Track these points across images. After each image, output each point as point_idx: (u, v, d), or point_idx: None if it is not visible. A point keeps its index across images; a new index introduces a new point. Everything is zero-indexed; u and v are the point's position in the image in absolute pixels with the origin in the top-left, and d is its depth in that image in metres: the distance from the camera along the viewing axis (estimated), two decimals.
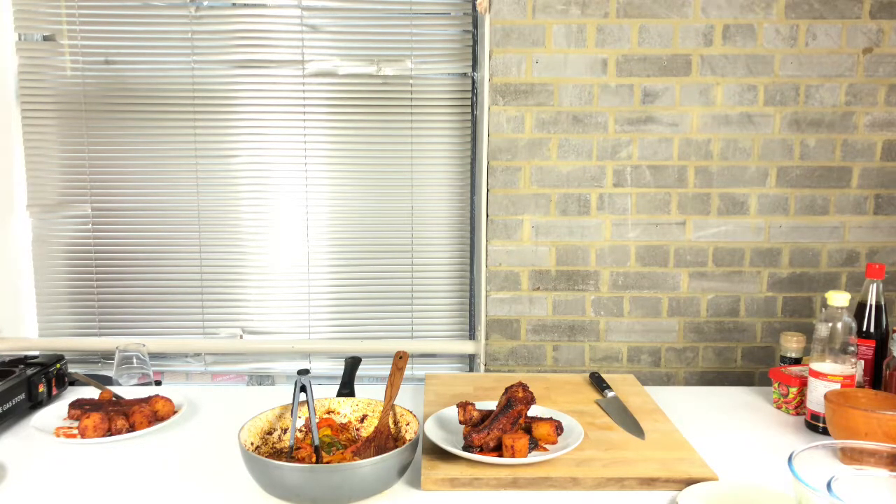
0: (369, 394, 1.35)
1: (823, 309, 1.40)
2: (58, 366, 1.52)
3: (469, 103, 2.45)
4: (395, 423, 1.24)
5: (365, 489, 1.08)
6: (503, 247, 2.37)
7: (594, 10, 2.26)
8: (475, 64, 2.42)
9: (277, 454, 1.20)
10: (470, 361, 2.58)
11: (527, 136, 2.32)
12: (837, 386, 1.34)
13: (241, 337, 2.53)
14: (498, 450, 1.19)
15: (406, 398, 1.51)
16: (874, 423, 1.18)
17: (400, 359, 1.31)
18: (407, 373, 1.33)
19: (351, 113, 2.45)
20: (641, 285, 2.40)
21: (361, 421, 1.29)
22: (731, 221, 2.37)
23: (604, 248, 2.38)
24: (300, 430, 1.24)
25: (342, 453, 1.19)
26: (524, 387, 1.27)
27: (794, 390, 1.47)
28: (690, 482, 1.15)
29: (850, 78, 2.31)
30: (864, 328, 1.45)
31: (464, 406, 1.26)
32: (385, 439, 1.21)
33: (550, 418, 1.27)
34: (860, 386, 1.42)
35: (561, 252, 2.38)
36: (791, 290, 2.41)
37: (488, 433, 1.19)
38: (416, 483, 1.16)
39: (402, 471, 1.11)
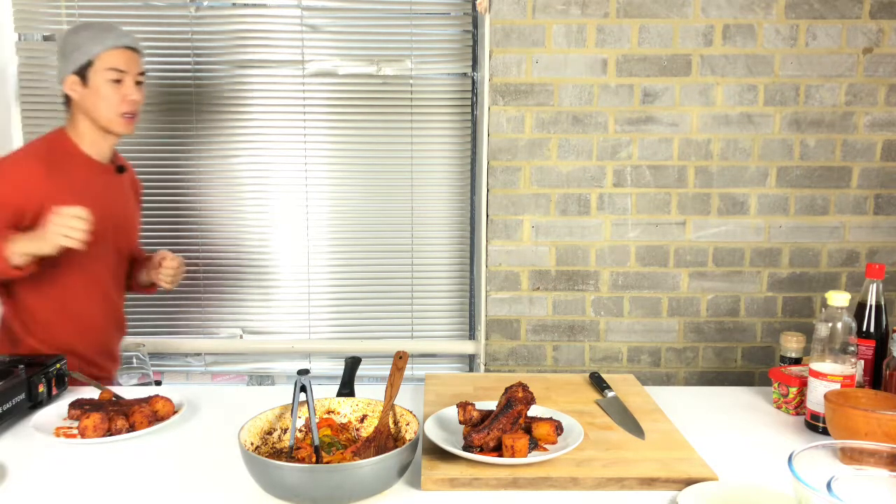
0: (369, 394, 1.35)
1: (823, 309, 1.40)
2: (58, 366, 1.52)
3: (469, 103, 2.45)
4: (395, 423, 1.24)
5: (365, 489, 1.08)
6: (503, 247, 2.37)
7: (594, 10, 2.26)
8: (475, 64, 2.42)
9: (277, 454, 1.20)
10: (470, 361, 2.58)
11: (527, 136, 2.32)
12: (837, 386, 1.34)
13: (241, 337, 2.53)
14: (498, 450, 1.19)
15: (406, 398, 1.51)
16: (874, 423, 1.17)
17: (400, 359, 1.31)
18: (407, 373, 1.33)
19: (351, 113, 2.45)
20: (641, 285, 2.40)
21: (361, 421, 1.29)
22: (731, 221, 2.37)
23: (604, 248, 2.38)
24: (300, 430, 1.24)
25: (342, 453, 1.19)
26: (524, 387, 1.27)
27: (794, 390, 1.47)
28: (690, 482, 1.15)
29: (850, 78, 2.31)
30: (864, 328, 1.45)
31: (464, 406, 1.26)
32: (385, 439, 1.21)
33: (550, 418, 1.27)
34: (860, 386, 1.42)
35: (561, 252, 2.38)
36: (791, 290, 2.41)
37: (488, 433, 1.19)
38: (416, 483, 1.16)
39: (402, 471, 1.11)
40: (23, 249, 1.54)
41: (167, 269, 1.83)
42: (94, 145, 1.78)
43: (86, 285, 1.77)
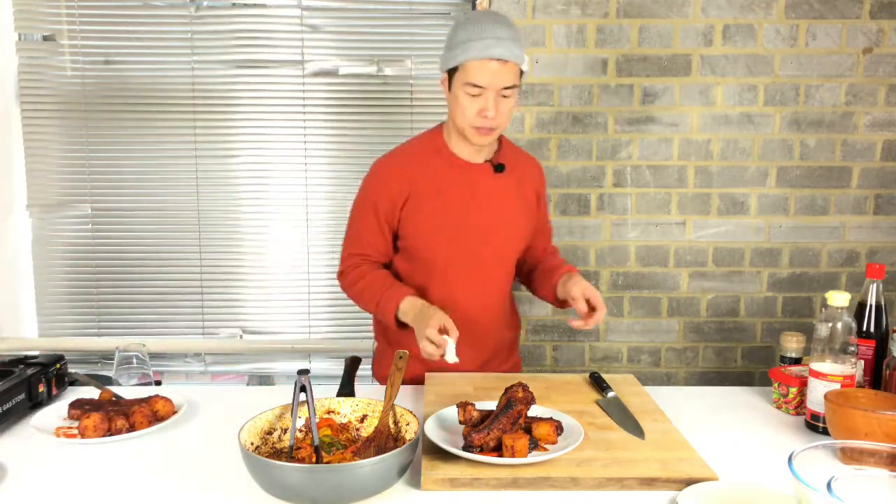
0: (369, 394, 1.35)
1: (823, 309, 1.40)
2: (58, 366, 1.51)
3: None
4: (395, 423, 1.24)
5: (365, 489, 1.08)
6: None
7: (594, 10, 2.26)
8: None
9: (277, 454, 1.20)
10: None
11: (527, 136, 2.32)
12: (837, 386, 1.34)
13: (241, 337, 2.53)
14: (498, 450, 1.19)
15: (406, 398, 1.51)
16: (874, 423, 1.17)
17: (400, 359, 1.31)
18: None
19: (351, 113, 2.45)
20: (641, 285, 2.39)
21: (361, 421, 1.28)
22: (731, 221, 2.37)
23: (604, 248, 2.37)
24: (300, 430, 1.24)
25: (342, 453, 1.19)
26: (524, 387, 1.26)
27: (794, 390, 1.47)
28: (690, 482, 1.15)
29: (850, 78, 2.31)
30: (864, 328, 1.45)
31: (464, 406, 1.26)
32: (385, 439, 1.21)
33: (550, 418, 1.27)
34: (860, 386, 1.42)
35: (560, 252, 2.37)
36: (791, 290, 2.41)
37: (488, 433, 1.19)
38: (416, 483, 1.16)
39: (402, 471, 1.11)
40: (404, 318, 1.58)
41: (593, 323, 1.58)
42: (458, 145, 1.66)
43: (455, 292, 1.69)
